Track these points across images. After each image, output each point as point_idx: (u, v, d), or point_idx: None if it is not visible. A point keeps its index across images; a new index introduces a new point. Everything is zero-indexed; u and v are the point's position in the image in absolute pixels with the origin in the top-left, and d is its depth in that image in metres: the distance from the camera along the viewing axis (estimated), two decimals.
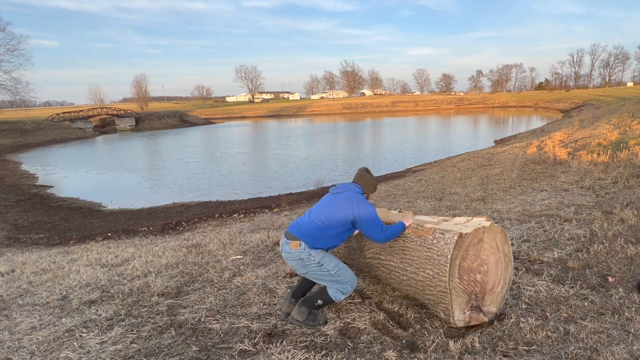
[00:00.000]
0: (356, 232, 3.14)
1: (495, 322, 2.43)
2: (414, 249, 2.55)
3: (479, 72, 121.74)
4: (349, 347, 2.28)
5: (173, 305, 3.01)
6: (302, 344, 2.33)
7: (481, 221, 2.55)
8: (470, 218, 2.68)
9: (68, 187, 15.78)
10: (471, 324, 2.41)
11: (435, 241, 2.43)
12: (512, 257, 2.56)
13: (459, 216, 2.88)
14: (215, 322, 2.67)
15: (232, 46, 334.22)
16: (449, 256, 2.29)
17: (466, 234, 2.33)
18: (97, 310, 3.02)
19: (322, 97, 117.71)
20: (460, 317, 2.37)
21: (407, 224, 2.65)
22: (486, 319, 2.46)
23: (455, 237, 2.32)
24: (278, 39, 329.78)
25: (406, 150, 20.99)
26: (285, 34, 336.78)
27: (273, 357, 2.22)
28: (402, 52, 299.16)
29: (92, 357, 2.35)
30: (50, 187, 16.02)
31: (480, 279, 2.42)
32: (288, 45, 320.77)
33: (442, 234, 2.42)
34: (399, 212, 3.66)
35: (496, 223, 4.66)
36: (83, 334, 2.64)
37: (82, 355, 2.38)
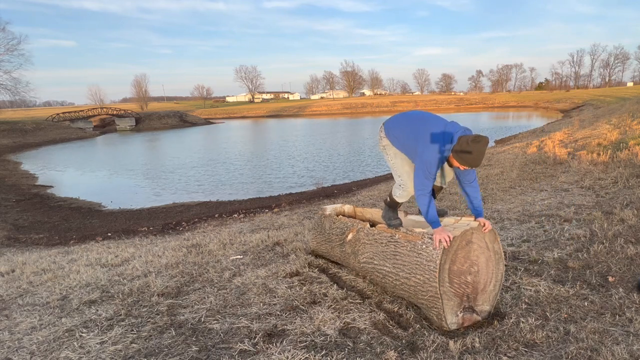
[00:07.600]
0: (349, 236, 3.15)
1: (495, 322, 2.43)
2: (404, 254, 2.56)
3: (479, 72, 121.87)
4: (349, 347, 2.27)
5: (173, 305, 3.01)
6: (302, 344, 2.33)
7: (469, 221, 2.55)
8: (459, 218, 2.68)
9: (68, 187, 15.78)
10: (464, 325, 2.43)
11: (424, 246, 2.43)
12: (502, 254, 2.56)
13: (449, 216, 2.88)
14: (215, 322, 2.67)
15: (242, 46, 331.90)
16: (438, 262, 2.30)
17: (454, 237, 2.33)
18: (97, 310, 3.02)
19: (322, 97, 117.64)
20: (452, 320, 2.38)
21: (436, 231, 2.37)
22: (479, 318, 2.47)
23: None
24: (291, 39, 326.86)
25: None
26: (299, 34, 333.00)
27: (273, 357, 2.21)
28: (411, 52, 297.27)
29: (92, 357, 2.35)
30: (50, 187, 16.02)
31: (472, 280, 2.42)
32: (299, 45, 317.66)
33: (431, 238, 2.41)
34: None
35: (495, 223, 4.67)
36: (83, 334, 2.64)
37: (82, 355, 2.38)
